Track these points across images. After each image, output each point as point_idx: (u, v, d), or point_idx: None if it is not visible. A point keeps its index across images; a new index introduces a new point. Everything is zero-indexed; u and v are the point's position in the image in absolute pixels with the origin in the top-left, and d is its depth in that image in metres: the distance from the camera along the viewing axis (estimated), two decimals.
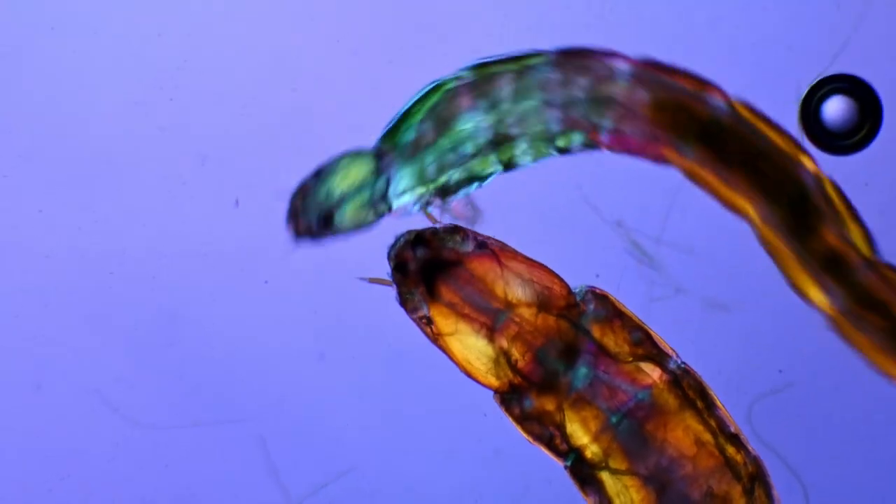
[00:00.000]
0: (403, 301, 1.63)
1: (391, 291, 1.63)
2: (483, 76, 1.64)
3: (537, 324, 1.62)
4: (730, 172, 1.63)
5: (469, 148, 1.64)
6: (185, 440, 1.74)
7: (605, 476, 1.62)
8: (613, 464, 1.61)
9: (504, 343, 1.62)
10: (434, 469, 1.75)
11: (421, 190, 1.64)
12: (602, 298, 1.63)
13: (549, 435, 1.62)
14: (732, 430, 1.62)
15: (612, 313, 1.63)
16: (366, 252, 1.67)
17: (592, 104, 1.63)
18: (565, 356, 1.62)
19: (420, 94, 1.65)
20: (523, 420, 1.62)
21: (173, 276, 1.73)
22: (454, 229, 1.65)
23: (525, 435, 1.63)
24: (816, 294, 1.62)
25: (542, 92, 1.64)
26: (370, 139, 1.67)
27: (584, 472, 1.62)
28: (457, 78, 1.64)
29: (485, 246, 1.63)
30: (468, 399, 1.67)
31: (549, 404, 1.62)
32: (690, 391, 1.62)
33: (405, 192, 1.64)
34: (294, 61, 1.76)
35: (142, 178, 1.76)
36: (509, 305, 1.62)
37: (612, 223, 1.71)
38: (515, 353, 1.62)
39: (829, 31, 1.72)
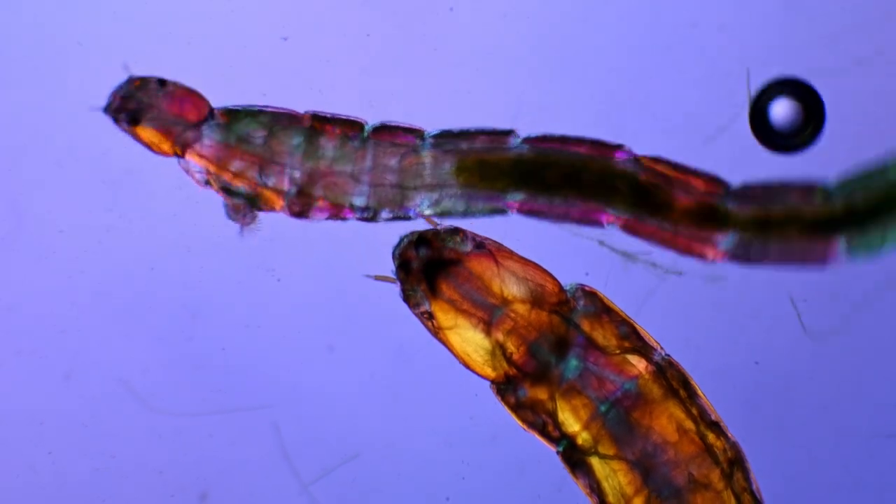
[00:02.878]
0: (406, 297, 1.64)
1: (395, 288, 1.64)
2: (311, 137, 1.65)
3: (531, 319, 1.63)
4: (558, 198, 1.66)
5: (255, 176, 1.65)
6: (204, 427, 1.73)
7: (594, 461, 1.62)
8: (602, 449, 1.62)
9: (500, 336, 1.63)
10: (434, 453, 1.75)
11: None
12: (591, 295, 1.64)
13: (542, 422, 1.63)
14: (713, 418, 1.62)
15: (601, 309, 1.63)
16: (371, 252, 1.66)
17: (409, 182, 1.66)
18: (557, 349, 1.62)
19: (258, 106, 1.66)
20: (518, 408, 1.63)
21: (194, 276, 1.72)
22: (454, 231, 1.64)
23: (519, 422, 1.63)
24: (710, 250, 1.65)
25: (351, 164, 1.65)
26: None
27: (574, 457, 1.63)
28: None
29: (482, 246, 1.64)
30: (466, 388, 1.66)
31: (541, 394, 1.62)
32: (674, 381, 1.63)
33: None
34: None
35: (161, 183, 1.73)
36: (505, 302, 1.63)
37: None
38: (510, 346, 1.62)
39: (776, 36, 1.72)
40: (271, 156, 1.63)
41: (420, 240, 1.64)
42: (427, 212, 1.65)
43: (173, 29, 1.76)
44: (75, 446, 1.75)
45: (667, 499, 1.62)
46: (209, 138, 1.64)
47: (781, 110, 1.66)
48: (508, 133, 1.65)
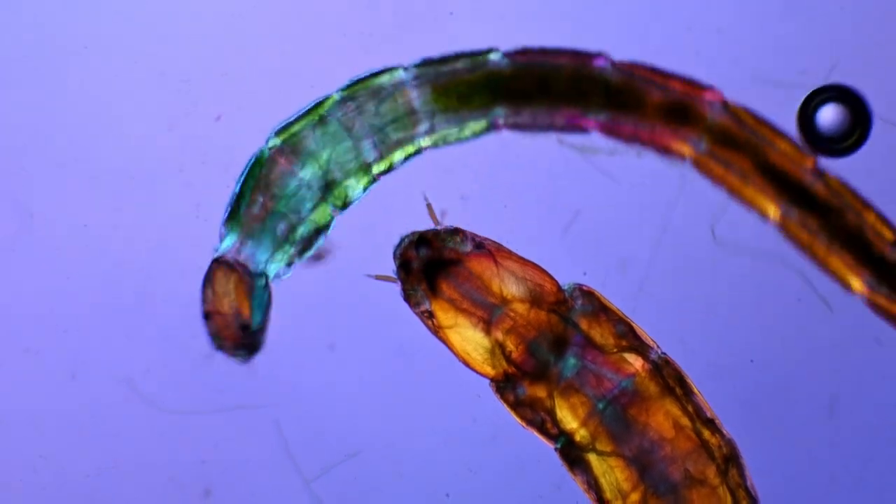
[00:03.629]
0: (407, 296, 1.65)
1: (396, 288, 1.65)
2: (289, 136, 1.65)
3: (530, 318, 1.64)
4: (538, 109, 1.67)
5: (307, 203, 1.65)
6: (208, 424, 1.73)
7: (592, 457, 1.63)
8: (600, 446, 1.63)
9: (499, 335, 1.64)
10: (435, 450, 1.74)
11: (281, 256, 1.65)
12: (589, 295, 1.65)
13: (541, 420, 1.64)
14: (708, 415, 1.64)
15: (598, 308, 1.64)
16: (372, 252, 1.67)
17: (399, 122, 1.66)
18: (555, 347, 1.63)
19: (244, 171, 1.65)
20: (517, 406, 1.64)
21: (198, 278, 1.69)
22: (454, 231, 1.65)
23: (518, 420, 1.64)
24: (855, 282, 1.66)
25: (348, 131, 1.65)
26: None
27: (572, 453, 1.64)
28: (269, 147, 1.65)
29: (482, 246, 1.65)
30: (466, 387, 1.67)
31: (540, 392, 1.63)
32: (670, 379, 1.64)
33: (270, 262, 1.65)
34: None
35: (170, 187, 1.74)
36: (504, 301, 1.64)
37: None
38: (510, 345, 1.63)
39: (827, 45, 1.72)
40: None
41: (420, 240, 1.65)
42: (426, 143, 1.66)
43: (174, 31, 1.76)
44: (81, 444, 1.75)
45: (663, 494, 1.63)
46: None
47: (829, 115, 1.67)
48: (488, 51, 1.66)
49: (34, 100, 1.76)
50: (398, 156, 1.66)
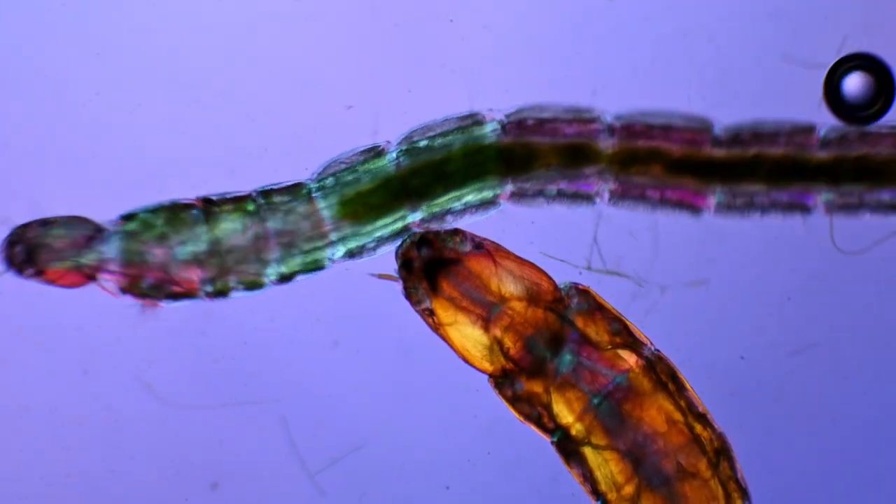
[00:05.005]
0: (408, 294, 1.66)
1: (398, 286, 1.66)
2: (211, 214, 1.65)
3: (527, 315, 1.64)
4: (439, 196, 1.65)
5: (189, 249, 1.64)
6: (216, 419, 1.73)
7: (587, 451, 1.64)
8: (595, 440, 1.64)
9: (498, 332, 1.65)
10: (435, 443, 1.75)
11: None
12: (584, 293, 1.66)
13: (538, 414, 1.65)
14: (700, 409, 1.64)
15: (594, 306, 1.65)
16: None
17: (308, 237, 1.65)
18: (552, 344, 1.64)
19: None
20: (514, 401, 1.65)
21: None
22: (454, 232, 1.66)
23: (516, 414, 1.65)
24: None
25: (254, 231, 1.64)
26: None
27: (568, 447, 1.64)
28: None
29: (481, 246, 1.66)
30: (465, 382, 1.67)
31: (537, 387, 1.64)
32: (663, 375, 1.64)
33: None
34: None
35: (171, 184, 1.71)
36: (503, 299, 1.65)
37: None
38: (508, 342, 1.64)
39: (851, 13, 1.70)
40: (175, 270, 1.64)
41: (422, 240, 1.66)
42: (339, 255, 1.65)
43: (177, 33, 1.76)
44: (92, 438, 1.75)
45: (656, 487, 1.63)
46: (111, 262, 1.64)
47: (854, 83, 1.66)
48: (380, 151, 1.66)
49: (46, 103, 1.75)
50: (297, 266, 1.66)
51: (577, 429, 1.65)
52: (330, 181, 1.64)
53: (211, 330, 1.72)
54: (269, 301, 1.72)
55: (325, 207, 1.64)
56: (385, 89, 1.72)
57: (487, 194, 1.65)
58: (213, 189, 1.69)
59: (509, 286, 1.65)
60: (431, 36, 1.75)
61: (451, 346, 1.66)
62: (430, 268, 1.65)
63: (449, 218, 1.65)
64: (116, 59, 1.75)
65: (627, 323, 1.66)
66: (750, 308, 1.74)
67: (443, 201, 1.65)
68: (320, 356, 1.76)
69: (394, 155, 1.65)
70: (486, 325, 1.65)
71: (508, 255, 1.67)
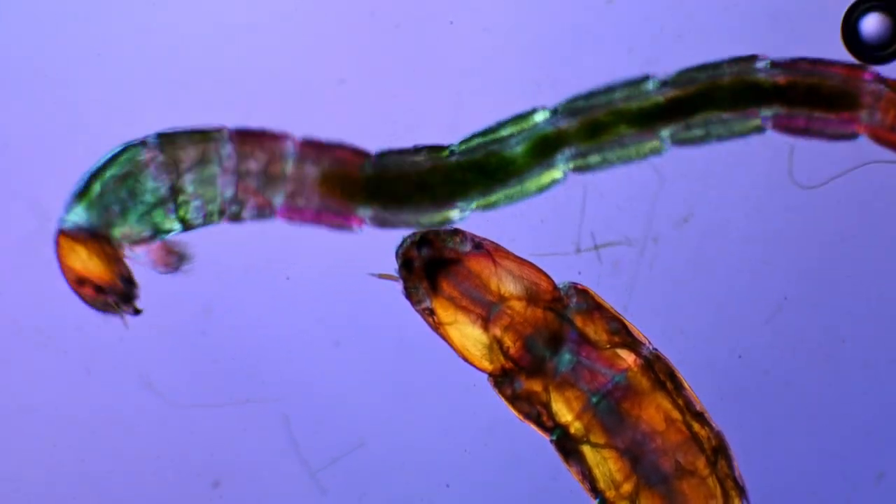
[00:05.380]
0: (409, 294, 1.66)
1: (398, 286, 1.66)
2: (169, 142, 1.64)
3: (527, 315, 1.65)
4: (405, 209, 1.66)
5: (148, 198, 1.64)
6: (218, 418, 1.73)
7: (586, 449, 1.64)
8: (594, 438, 1.64)
9: (497, 332, 1.65)
10: (435, 442, 1.75)
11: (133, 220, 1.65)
12: (583, 293, 1.66)
13: (537, 413, 1.65)
14: (698, 408, 1.64)
15: (593, 306, 1.65)
16: (375, 252, 1.67)
17: (265, 179, 1.64)
18: (551, 344, 1.64)
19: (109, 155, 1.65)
20: (514, 400, 1.65)
21: (208, 276, 1.70)
22: (454, 232, 1.66)
23: (515, 413, 1.65)
24: None
25: (219, 163, 1.63)
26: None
27: (567, 445, 1.65)
28: (144, 143, 1.65)
29: (481, 246, 1.66)
30: (465, 381, 1.67)
31: (536, 386, 1.64)
32: (661, 374, 1.65)
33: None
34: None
35: None
36: (502, 299, 1.65)
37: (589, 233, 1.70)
38: (507, 341, 1.65)
39: None
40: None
41: (422, 240, 1.66)
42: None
43: (181, 36, 1.76)
44: (94, 437, 1.75)
45: (655, 485, 1.64)
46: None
47: (872, 23, 1.66)
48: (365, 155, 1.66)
49: (49, 104, 1.75)
50: (249, 208, 1.66)
51: (576, 427, 1.65)
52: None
53: (211, 329, 1.73)
54: (271, 300, 1.74)
55: None
56: (385, 90, 1.73)
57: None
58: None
59: (509, 286, 1.66)
60: (431, 37, 1.75)
61: (451, 345, 1.66)
62: (430, 267, 1.66)
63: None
64: (117, 59, 1.76)
65: (626, 322, 1.66)
66: (748, 308, 1.75)
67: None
68: (321, 355, 1.76)
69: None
70: (485, 324, 1.65)
71: (508, 254, 1.67)
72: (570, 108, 1.66)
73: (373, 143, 1.68)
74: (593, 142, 1.65)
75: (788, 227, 1.76)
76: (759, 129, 1.66)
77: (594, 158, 1.66)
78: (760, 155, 1.73)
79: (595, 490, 1.66)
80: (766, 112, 1.64)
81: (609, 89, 1.66)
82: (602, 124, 1.65)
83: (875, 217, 1.74)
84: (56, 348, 1.74)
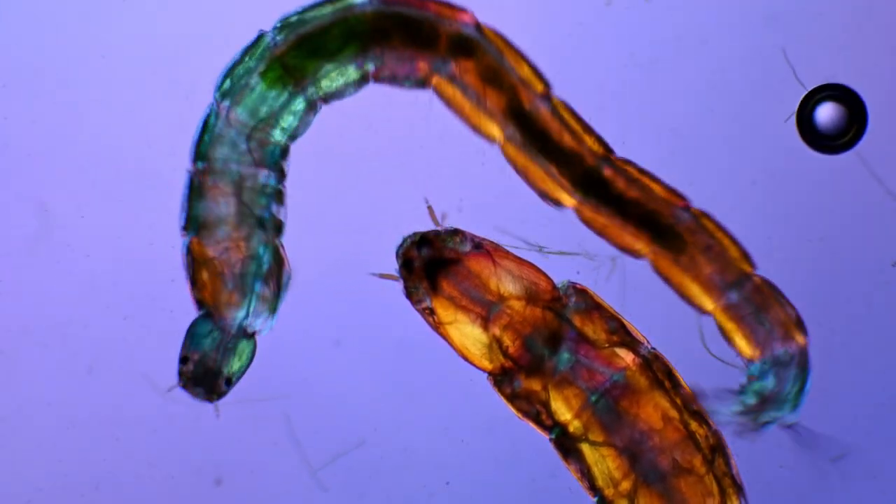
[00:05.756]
0: (409, 294, 1.66)
1: (398, 286, 1.67)
2: (193, 221, 1.64)
3: (526, 314, 1.65)
4: (479, 91, 1.64)
5: (254, 251, 1.65)
6: (220, 417, 1.70)
7: (585, 447, 1.64)
8: (592, 437, 1.64)
9: (497, 331, 1.65)
10: (435, 440, 1.75)
11: (258, 305, 1.66)
12: (582, 292, 1.66)
13: (536, 412, 1.65)
14: (695, 407, 1.65)
15: (591, 305, 1.65)
16: (376, 251, 1.67)
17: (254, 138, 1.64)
18: (550, 343, 1.65)
19: (183, 263, 1.65)
20: (513, 399, 1.65)
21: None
22: (454, 232, 1.66)
23: (515, 412, 1.65)
24: (566, 198, 1.65)
25: (231, 180, 1.64)
26: None
27: (566, 443, 1.65)
28: (187, 240, 1.65)
29: (481, 246, 1.66)
30: (465, 380, 1.68)
31: (535, 385, 1.65)
32: (659, 373, 1.65)
33: (249, 316, 1.67)
34: None
35: (181, 184, 1.69)
36: (501, 298, 1.65)
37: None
38: (507, 340, 1.65)
39: (821, 45, 1.70)
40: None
41: (422, 240, 1.66)
42: (281, 137, 1.63)
43: (185, 39, 1.75)
44: (97, 435, 1.75)
45: (653, 482, 1.64)
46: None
47: (826, 113, 1.67)
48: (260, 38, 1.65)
49: (54, 105, 1.76)
50: (279, 159, 1.66)
51: (574, 426, 1.65)
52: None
53: None
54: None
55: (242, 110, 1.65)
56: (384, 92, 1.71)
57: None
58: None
59: (508, 285, 1.66)
60: None
61: (451, 344, 1.67)
62: (430, 267, 1.66)
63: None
64: (121, 61, 1.76)
65: (624, 322, 1.66)
66: None
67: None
68: (323, 354, 1.76)
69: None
70: (485, 323, 1.65)
71: (507, 254, 1.67)
72: None
73: None
74: None
75: (786, 224, 1.76)
76: None
77: None
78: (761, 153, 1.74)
79: (594, 488, 1.66)
80: None
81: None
82: None
83: (865, 219, 1.75)
84: (57, 346, 1.75)
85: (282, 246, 1.67)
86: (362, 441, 1.75)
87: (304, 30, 1.64)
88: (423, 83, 1.65)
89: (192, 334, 1.65)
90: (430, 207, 1.67)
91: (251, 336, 1.66)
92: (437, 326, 1.67)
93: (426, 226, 1.68)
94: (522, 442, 1.70)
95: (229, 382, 1.66)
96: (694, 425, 1.65)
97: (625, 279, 1.69)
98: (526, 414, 1.66)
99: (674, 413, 1.65)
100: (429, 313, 1.67)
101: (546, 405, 1.65)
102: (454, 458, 1.76)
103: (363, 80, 1.65)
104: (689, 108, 1.74)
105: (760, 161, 1.73)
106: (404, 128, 1.69)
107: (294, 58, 1.64)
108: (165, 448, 1.76)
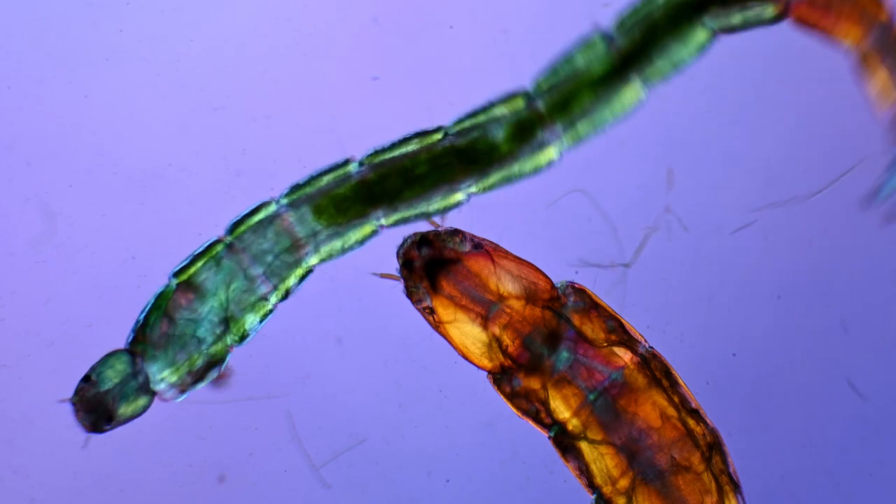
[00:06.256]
0: (409, 293, 1.66)
1: (399, 285, 1.67)
2: (188, 278, 1.65)
3: (525, 314, 1.65)
4: (412, 200, 1.66)
5: (207, 338, 1.65)
6: (223, 415, 1.73)
7: (583, 445, 1.65)
8: (591, 435, 1.64)
9: (496, 330, 1.65)
10: (435, 437, 1.76)
11: (174, 376, 1.66)
12: (581, 292, 1.66)
13: (535, 410, 1.65)
14: (693, 405, 1.65)
15: (590, 305, 1.66)
16: (377, 252, 1.68)
17: (285, 252, 1.66)
18: (549, 342, 1.65)
19: (153, 297, 1.66)
20: (512, 397, 1.65)
21: None
22: (454, 232, 1.66)
23: (514, 410, 1.66)
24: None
25: (242, 270, 1.65)
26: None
27: (565, 441, 1.65)
28: (172, 285, 1.65)
29: (480, 247, 1.66)
30: (464, 378, 1.67)
31: (534, 383, 1.65)
32: (657, 372, 1.65)
33: (163, 378, 1.66)
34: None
35: (184, 184, 1.75)
36: (501, 298, 1.65)
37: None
38: (506, 339, 1.65)
39: None
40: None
41: (422, 240, 1.67)
42: (314, 261, 1.66)
43: (189, 42, 1.77)
44: (102, 433, 1.71)
45: (651, 480, 1.64)
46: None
47: None
48: (346, 162, 1.67)
49: (58, 107, 1.76)
50: (292, 281, 1.67)
51: (573, 424, 1.66)
52: (297, 195, 1.67)
53: None
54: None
55: (295, 219, 1.66)
56: (384, 94, 1.74)
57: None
58: (212, 194, 1.70)
59: (507, 285, 1.66)
60: (431, 40, 1.76)
61: (450, 343, 1.67)
62: (430, 267, 1.66)
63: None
64: (124, 63, 1.77)
65: (622, 321, 1.67)
66: (741, 307, 1.76)
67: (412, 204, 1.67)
68: (324, 352, 1.77)
69: (356, 164, 1.67)
70: (484, 323, 1.66)
71: (506, 254, 1.67)
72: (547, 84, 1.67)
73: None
74: (567, 114, 1.66)
75: (783, 224, 1.76)
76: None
77: (582, 127, 1.66)
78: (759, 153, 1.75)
79: (592, 485, 1.66)
80: None
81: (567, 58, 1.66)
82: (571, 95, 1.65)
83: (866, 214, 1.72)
84: (64, 346, 1.75)
85: (232, 352, 1.68)
86: (364, 438, 1.76)
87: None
88: None
89: (107, 362, 1.66)
90: None
91: (152, 395, 1.67)
92: (438, 325, 1.67)
93: (426, 226, 1.69)
94: (522, 440, 1.71)
95: (110, 422, 1.66)
96: (692, 423, 1.65)
97: (625, 278, 1.70)
98: (525, 412, 1.66)
99: (672, 411, 1.65)
100: (429, 312, 1.67)
101: (545, 403, 1.65)
102: (454, 455, 1.76)
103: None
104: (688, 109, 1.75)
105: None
106: (405, 129, 1.69)
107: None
108: (169, 445, 1.76)
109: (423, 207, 1.67)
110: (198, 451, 1.76)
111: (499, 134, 1.65)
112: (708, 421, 1.66)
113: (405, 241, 1.67)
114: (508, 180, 1.67)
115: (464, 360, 1.67)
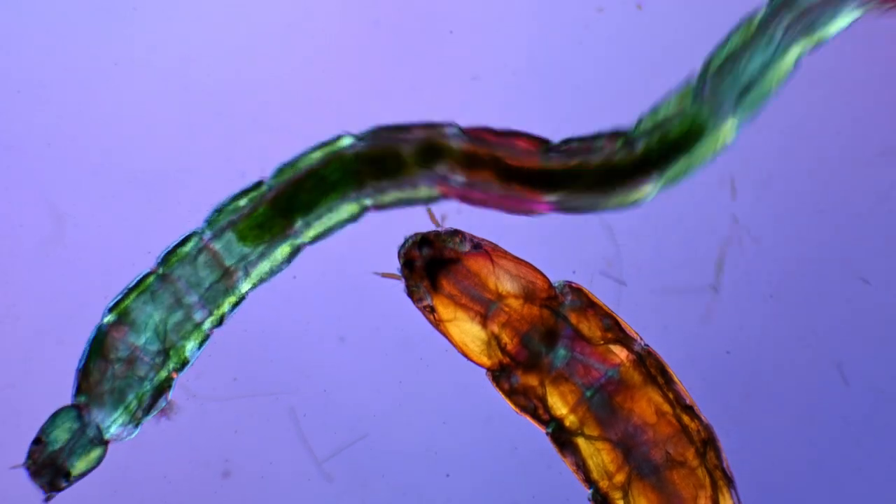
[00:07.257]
0: (410, 292, 1.67)
1: (400, 284, 1.67)
2: (122, 312, 1.64)
3: (523, 312, 1.65)
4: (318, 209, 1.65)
5: (144, 370, 1.64)
6: (227, 410, 1.74)
7: (580, 441, 1.65)
8: (588, 431, 1.65)
9: (495, 329, 1.66)
10: (435, 433, 1.77)
11: (125, 417, 1.65)
12: (577, 291, 1.67)
13: (533, 406, 1.66)
14: (687, 402, 1.65)
15: (586, 303, 1.66)
16: (378, 252, 1.68)
17: (218, 279, 1.65)
18: (547, 340, 1.65)
19: (88, 342, 1.65)
20: (511, 394, 1.66)
21: None
22: (454, 232, 1.66)
23: (512, 406, 1.66)
24: None
25: (176, 300, 1.65)
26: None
27: (562, 437, 1.65)
28: (106, 322, 1.65)
29: (479, 247, 1.67)
30: (464, 375, 1.67)
31: (532, 380, 1.65)
32: (652, 369, 1.65)
33: (113, 423, 1.65)
34: None
35: (186, 184, 1.75)
36: (500, 297, 1.66)
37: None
38: (505, 337, 1.65)
39: None
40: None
41: (423, 240, 1.67)
42: (246, 288, 1.65)
43: (194, 46, 1.78)
44: None
45: (646, 475, 1.64)
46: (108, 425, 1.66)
47: None
48: (258, 184, 1.66)
49: (67, 110, 1.77)
50: (226, 308, 1.67)
51: (570, 420, 1.66)
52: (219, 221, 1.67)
53: (224, 326, 1.71)
54: (279, 300, 1.73)
55: (221, 248, 1.67)
56: (384, 96, 1.75)
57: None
58: (211, 194, 1.71)
59: (506, 284, 1.66)
60: (431, 46, 1.77)
61: (450, 341, 1.67)
62: (430, 267, 1.66)
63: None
64: (133, 68, 1.78)
65: (618, 319, 1.67)
66: (737, 306, 1.76)
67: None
68: (328, 350, 1.78)
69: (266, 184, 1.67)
70: (484, 321, 1.66)
71: (505, 254, 1.67)
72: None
73: None
74: None
75: (778, 222, 1.77)
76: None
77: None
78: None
79: (589, 480, 1.66)
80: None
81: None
82: None
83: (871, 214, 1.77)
84: (73, 345, 1.72)
85: (176, 378, 1.68)
86: (366, 434, 1.77)
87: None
88: None
89: (54, 421, 1.65)
90: (430, 209, 1.69)
91: (105, 444, 1.67)
92: (438, 324, 1.67)
93: (427, 227, 1.69)
94: (520, 436, 1.71)
95: (68, 479, 1.66)
96: (686, 419, 1.66)
97: (620, 276, 1.71)
98: (523, 409, 1.66)
99: (667, 408, 1.65)
100: (429, 311, 1.67)
101: (543, 400, 1.66)
102: (454, 450, 1.77)
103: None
104: None
105: None
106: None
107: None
108: (176, 441, 1.75)
109: (336, 217, 1.67)
110: (203, 448, 1.78)
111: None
112: (702, 417, 1.66)
113: (406, 241, 1.67)
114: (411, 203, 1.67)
115: (463, 357, 1.68)
